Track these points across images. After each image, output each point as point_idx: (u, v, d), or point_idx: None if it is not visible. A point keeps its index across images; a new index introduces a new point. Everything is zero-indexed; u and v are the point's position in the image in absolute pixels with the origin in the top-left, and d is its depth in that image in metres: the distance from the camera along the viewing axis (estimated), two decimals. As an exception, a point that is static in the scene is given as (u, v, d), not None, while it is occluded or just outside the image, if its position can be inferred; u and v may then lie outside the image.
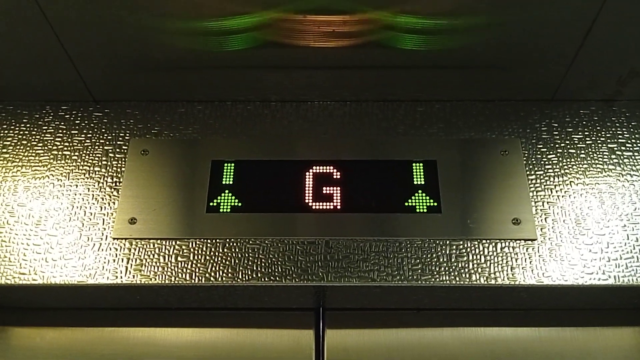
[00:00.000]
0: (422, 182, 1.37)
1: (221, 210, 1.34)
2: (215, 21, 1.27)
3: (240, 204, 1.35)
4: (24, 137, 1.44)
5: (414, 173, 1.38)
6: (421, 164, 1.39)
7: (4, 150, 1.42)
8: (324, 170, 1.38)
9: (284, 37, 1.32)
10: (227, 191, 1.36)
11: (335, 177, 1.38)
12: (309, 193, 1.36)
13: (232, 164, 1.39)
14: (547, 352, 1.36)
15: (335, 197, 1.35)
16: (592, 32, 1.26)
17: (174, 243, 1.31)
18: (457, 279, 1.27)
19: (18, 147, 1.43)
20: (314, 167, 1.39)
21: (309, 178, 1.38)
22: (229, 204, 1.35)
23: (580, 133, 1.43)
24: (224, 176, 1.38)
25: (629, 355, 1.35)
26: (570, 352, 1.36)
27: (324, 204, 1.35)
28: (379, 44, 1.33)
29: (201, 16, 1.26)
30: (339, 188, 1.36)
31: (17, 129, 1.45)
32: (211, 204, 1.35)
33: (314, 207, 1.34)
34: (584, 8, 1.22)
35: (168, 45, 1.32)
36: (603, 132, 1.42)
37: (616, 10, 1.21)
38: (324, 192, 1.36)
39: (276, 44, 1.33)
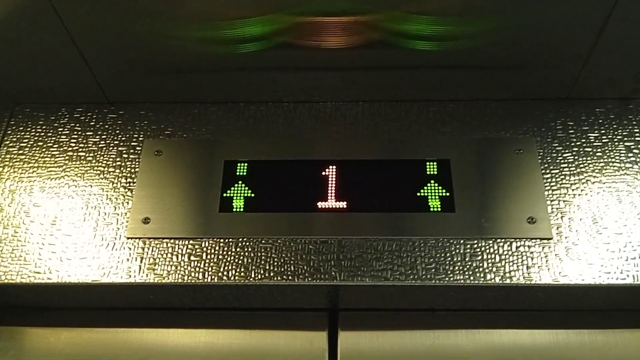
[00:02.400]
0: (436, 181, 1.36)
1: (234, 210, 1.34)
2: (227, 25, 1.28)
3: (253, 204, 1.35)
4: (40, 138, 1.46)
5: (428, 172, 1.37)
6: (435, 163, 1.38)
7: (20, 152, 1.44)
8: (337, 170, 1.38)
9: (296, 38, 1.32)
10: (239, 191, 1.36)
11: (348, 176, 1.37)
12: (321, 193, 1.35)
13: (245, 164, 1.39)
14: (564, 355, 1.33)
15: (348, 197, 1.35)
16: (606, 29, 1.25)
17: (187, 242, 1.31)
18: (472, 278, 1.25)
19: (34, 148, 1.44)
20: (327, 167, 1.38)
21: (321, 178, 1.37)
22: (242, 203, 1.35)
23: (596, 131, 1.41)
24: (237, 176, 1.38)
25: (650, 358, 1.32)
26: (588, 355, 1.33)
27: (337, 203, 1.34)
28: (391, 45, 1.33)
29: (213, 20, 1.27)
30: (351, 187, 1.36)
31: (33, 130, 1.47)
32: (224, 203, 1.35)
33: (326, 207, 1.34)
34: (597, 5, 1.20)
35: (181, 48, 1.33)
36: (620, 130, 1.40)
37: (630, 6, 1.19)
38: (337, 191, 1.35)
39: (288, 46, 1.34)
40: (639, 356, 1.32)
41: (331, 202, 1.35)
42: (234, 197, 1.36)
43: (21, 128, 1.47)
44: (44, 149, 1.44)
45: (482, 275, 1.25)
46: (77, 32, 1.29)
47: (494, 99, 1.46)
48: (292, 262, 1.28)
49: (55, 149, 1.44)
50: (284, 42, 1.33)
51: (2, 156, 1.43)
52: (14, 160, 1.43)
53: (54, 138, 1.46)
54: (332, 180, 1.37)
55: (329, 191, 1.36)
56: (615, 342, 1.33)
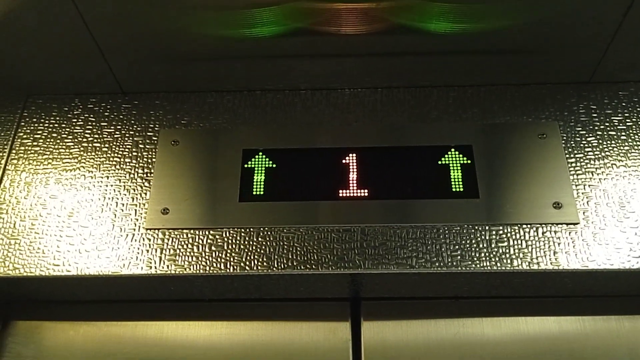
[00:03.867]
0: (458, 168, 1.33)
1: (254, 199, 1.32)
2: (243, 12, 1.26)
3: (273, 194, 1.32)
4: (54, 130, 1.43)
5: (450, 158, 1.34)
6: (457, 149, 1.35)
7: (35, 143, 1.41)
8: (358, 158, 1.36)
9: (314, 25, 1.30)
10: (259, 180, 1.34)
11: (368, 164, 1.35)
12: (343, 181, 1.33)
13: (264, 153, 1.37)
14: (592, 342, 1.31)
15: (369, 184, 1.32)
16: (630, 11, 1.23)
17: (207, 233, 1.29)
18: (498, 264, 1.23)
19: (48, 140, 1.42)
20: (347, 155, 1.36)
21: (342, 166, 1.35)
22: (262, 193, 1.33)
23: (620, 115, 1.39)
24: (256, 165, 1.36)
25: (679, 343, 1.30)
26: (617, 341, 1.31)
27: (359, 191, 1.32)
28: (409, 30, 1.30)
29: (229, 7, 1.25)
30: (373, 175, 1.34)
31: (47, 121, 1.44)
32: (244, 193, 1.32)
33: (348, 195, 1.32)
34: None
35: (196, 36, 1.31)
36: (644, 113, 1.38)
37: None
38: (359, 179, 1.33)
39: (305, 32, 1.31)
40: (668, 342, 1.30)
41: (353, 190, 1.32)
42: (254, 186, 1.33)
43: (34, 119, 1.45)
44: (58, 141, 1.42)
45: (508, 261, 1.23)
46: (93, 21, 1.27)
47: (514, 83, 1.44)
48: (315, 250, 1.26)
49: (69, 140, 1.42)
50: (301, 29, 1.31)
51: (17, 148, 1.41)
52: (29, 152, 1.40)
53: (68, 129, 1.43)
54: (352, 168, 1.35)
55: (350, 179, 1.34)
56: (644, 327, 1.31)
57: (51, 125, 1.44)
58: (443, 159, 1.35)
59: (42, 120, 1.44)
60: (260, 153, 1.38)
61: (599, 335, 1.32)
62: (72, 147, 1.41)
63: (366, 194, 1.32)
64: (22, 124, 1.44)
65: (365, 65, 1.41)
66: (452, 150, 1.36)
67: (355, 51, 1.37)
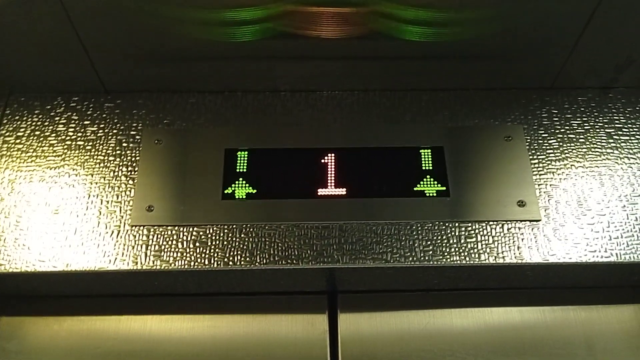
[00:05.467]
0: (431, 168, 1.41)
1: (236, 197, 1.37)
2: (227, 12, 1.30)
3: (254, 191, 1.38)
4: (37, 128, 1.45)
5: (423, 159, 1.42)
6: (429, 150, 1.43)
7: (18, 141, 1.43)
8: (336, 158, 1.42)
9: (294, 28, 1.36)
10: (241, 179, 1.39)
11: (346, 164, 1.42)
12: (321, 180, 1.40)
13: (246, 152, 1.42)
14: (551, 331, 1.41)
15: (347, 183, 1.39)
16: (591, 22, 1.32)
17: (191, 229, 1.33)
18: (467, 259, 1.32)
19: (31, 137, 1.44)
20: (326, 155, 1.42)
21: (321, 165, 1.41)
22: (244, 190, 1.38)
23: (579, 119, 1.49)
24: (238, 164, 1.41)
25: (630, 333, 1.40)
26: (574, 330, 1.41)
27: (337, 189, 1.39)
28: (386, 36, 1.37)
29: (214, 7, 1.29)
30: (350, 174, 1.40)
31: (29, 119, 1.46)
32: (226, 191, 1.38)
33: (327, 193, 1.38)
34: (584, -1, 1.28)
35: (180, 36, 1.35)
36: (600, 118, 1.49)
37: (615, 1, 1.27)
38: (337, 178, 1.40)
39: (287, 35, 1.37)
40: (620, 331, 1.41)
41: (331, 189, 1.39)
42: (236, 185, 1.39)
43: (17, 117, 1.46)
44: (41, 139, 1.44)
45: (476, 255, 1.32)
46: (78, 18, 1.29)
47: (483, 88, 1.53)
48: (295, 246, 1.32)
49: (53, 138, 1.44)
50: (282, 32, 1.36)
51: None
52: (12, 150, 1.42)
53: (51, 127, 1.45)
54: (331, 168, 1.41)
55: (329, 178, 1.40)
56: (599, 318, 1.42)
57: (34, 123, 1.46)
58: (416, 159, 1.43)
59: (25, 118, 1.46)
60: (242, 152, 1.43)
61: (557, 324, 1.42)
62: (55, 145, 1.43)
63: (344, 193, 1.38)
64: (5, 121, 1.45)
65: (343, 68, 1.47)
66: (425, 151, 1.44)
67: (334, 55, 1.44)
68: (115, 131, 1.45)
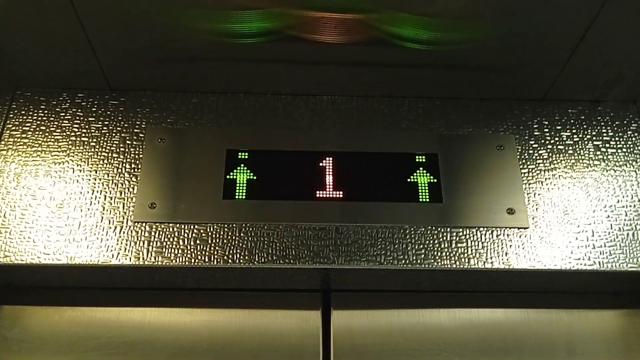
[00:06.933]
0: (425, 174, 1.47)
1: (237, 197, 1.42)
2: (233, 16, 1.34)
3: (254, 193, 1.42)
4: (43, 123, 1.48)
5: (418, 165, 1.47)
6: (424, 157, 1.49)
7: (24, 135, 1.46)
8: (334, 162, 1.47)
9: (299, 32, 1.39)
10: (242, 180, 1.44)
11: (344, 168, 1.46)
12: (319, 182, 1.44)
13: (247, 153, 1.46)
14: (534, 332, 1.48)
15: (344, 186, 1.44)
16: (584, 39, 1.38)
17: (192, 227, 1.38)
18: (457, 263, 1.38)
19: (37, 132, 1.47)
20: (324, 159, 1.47)
21: (319, 168, 1.46)
22: (244, 192, 1.42)
23: (568, 131, 1.55)
24: (239, 165, 1.45)
25: (609, 336, 1.47)
26: (555, 331, 1.48)
27: (334, 192, 1.43)
28: (387, 43, 1.41)
29: (220, 10, 1.32)
30: (347, 178, 1.45)
31: (35, 114, 1.49)
32: (227, 191, 1.42)
33: (324, 196, 1.43)
34: (580, 16, 1.33)
35: (186, 36, 1.38)
36: (589, 131, 1.55)
37: (610, 18, 1.32)
38: (334, 181, 1.45)
39: (291, 39, 1.40)
40: (600, 334, 1.48)
41: (329, 192, 1.44)
42: (237, 185, 1.43)
43: (23, 112, 1.49)
44: (47, 134, 1.47)
45: (466, 260, 1.38)
46: (86, 16, 1.32)
47: (477, 97, 1.58)
48: (293, 246, 1.37)
49: (58, 134, 1.47)
50: (287, 36, 1.39)
51: (6, 140, 1.45)
52: (18, 144, 1.45)
53: (56, 123, 1.49)
54: (329, 171, 1.46)
55: (327, 181, 1.45)
56: (580, 321, 1.49)
57: (39, 118, 1.49)
58: (412, 165, 1.48)
59: (31, 113, 1.49)
60: (243, 153, 1.47)
61: (540, 326, 1.48)
62: (60, 140, 1.46)
63: (341, 196, 1.43)
64: (11, 115, 1.48)
65: (344, 74, 1.52)
66: (420, 157, 1.49)
67: (335, 60, 1.47)
68: (119, 128, 1.49)
